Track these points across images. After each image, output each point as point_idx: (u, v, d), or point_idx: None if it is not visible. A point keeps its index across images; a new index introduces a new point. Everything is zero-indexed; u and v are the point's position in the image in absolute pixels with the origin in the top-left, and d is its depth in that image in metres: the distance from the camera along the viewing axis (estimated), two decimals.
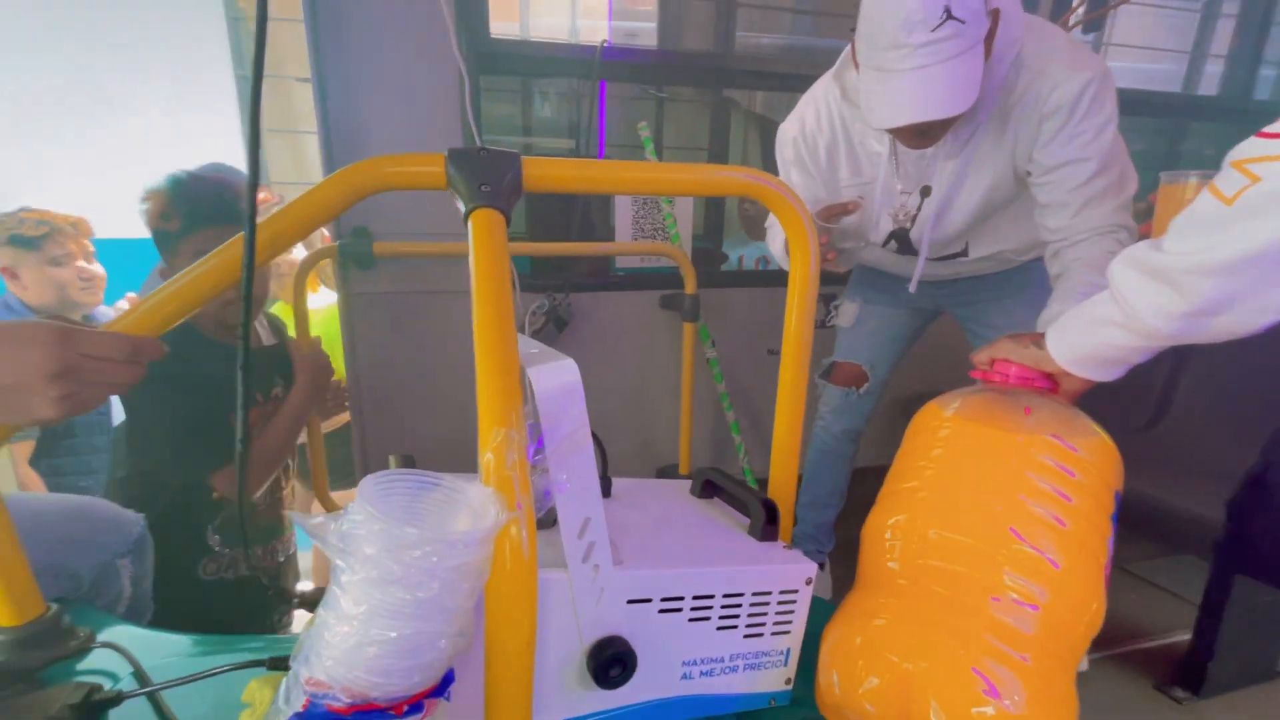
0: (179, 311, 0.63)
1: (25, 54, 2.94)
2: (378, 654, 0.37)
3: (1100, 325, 0.73)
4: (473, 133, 1.44)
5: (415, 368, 1.69)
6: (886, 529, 0.65)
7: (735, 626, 0.60)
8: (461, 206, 0.59)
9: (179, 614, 0.92)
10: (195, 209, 1.15)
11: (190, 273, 0.62)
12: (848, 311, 1.52)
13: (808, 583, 0.62)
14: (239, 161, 3.45)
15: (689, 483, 0.81)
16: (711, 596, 0.58)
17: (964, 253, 1.33)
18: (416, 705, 0.40)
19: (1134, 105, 2.38)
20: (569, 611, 0.53)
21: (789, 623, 0.62)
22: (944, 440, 0.67)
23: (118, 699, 0.62)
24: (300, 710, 0.38)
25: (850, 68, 1.16)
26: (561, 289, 1.69)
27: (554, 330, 1.71)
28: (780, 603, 0.61)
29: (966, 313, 1.44)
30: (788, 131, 1.28)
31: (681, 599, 0.57)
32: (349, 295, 1.63)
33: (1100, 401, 0.83)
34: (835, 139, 1.24)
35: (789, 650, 0.63)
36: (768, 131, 3.19)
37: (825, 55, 1.36)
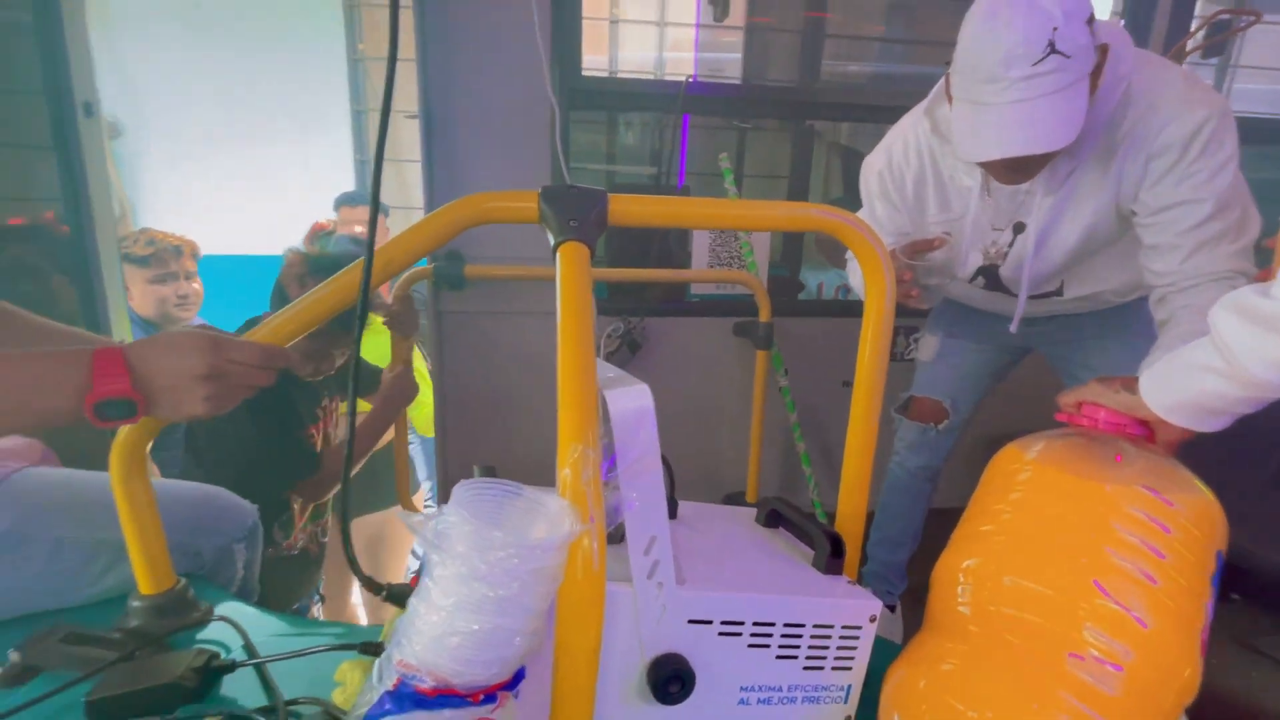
0: (303, 327, 0.72)
1: (181, 95, 3.36)
2: (460, 644, 0.41)
3: (1200, 372, 0.69)
4: (561, 163, 1.53)
5: (498, 384, 1.78)
6: (959, 572, 0.64)
7: (795, 657, 0.61)
8: (551, 239, 0.64)
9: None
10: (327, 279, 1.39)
11: (314, 294, 0.70)
12: (928, 345, 1.48)
13: (871, 620, 0.62)
14: (348, 184, 3.77)
15: (754, 510, 0.82)
16: (772, 624, 0.59)
17: (1059, 292, 1.27)
18: (491, 696, 0.43)
19: (1264, 133, 2.20)
20: (632, 625, 0.56)
21: (851, 659, 0.62)
22: (1024, 484, 0.65)
23: (232, 666, 0.69)
24: (391, 689, 0.42)
25: (943, 102, 1.14)
26: (636, 313, 1.75)
27: (627, 353, 1.76)
28: (842, 637, 0.61)
29: (1060, 352, 1.37)
30: (874, 164, 1.28)
31: (742, 624, 0.58)
32: (440, 314, 1.75)
33: (1216, 455, 0.78)
34: (923, 173, 1.22)
35: (850, 687, 0.63)
36: (851, 161, 3.16)
37: (916, 83, 1.35)
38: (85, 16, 1.53)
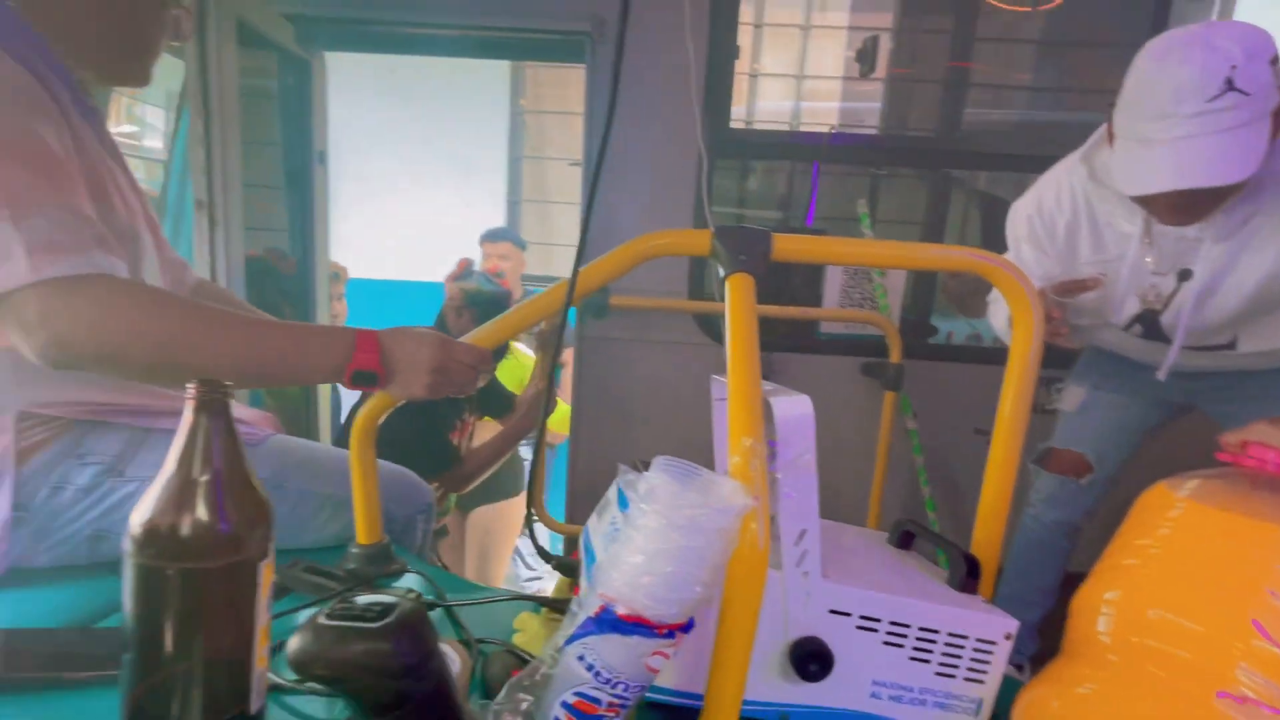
0: (506, 336, 0.88)
1: (369, 144, 3.94)
2: (652, 582, 0.51)
3: None
4: (705, 207, 1.66)
5: (628, 404, 1.92)
6: (1101, 603, 0.65)
7: (928, 661, 0.65)
8: (721, 271, 0.75)
9: None
10: (479, 311, 1.66)
11: (518, 310, 0.86)
12: (1073, 395, 1.43)
13: (1007, 637, 0.65)
14: (499, 222, 4.19)
15: (884, 533, 0.87)
16: (908, 626, 0.64)
17: (1231, 345, 1.20)
18: (670, 632, 0.53)
19: None
20: (778, 606, 0.64)
21: (983, 673, 0.65)
22: (1174, 521, 0.66)
23: (431, 606, 0.84)
24: (594, 614, 0.53)
25: (1102, 149, 1.13)
26: (765, 347, 1.82)
27: None
28: (976, 650, 0.65)
29: (1226, 410, 1.28)
30: (1022, 209, 1.28)
31: (879, 620, 0.64)
32: (583, 339, 1.92)
33: None
34: (1077, 219, 1.21)
35: (981, 701, 0.66)
36: (990, 208, 3.07)
37: (1066, 131, 1.35)
38: (326, 82, 1.90)
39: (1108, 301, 1.20)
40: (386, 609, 0.39)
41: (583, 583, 0.59)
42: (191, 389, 0.51)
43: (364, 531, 0.95)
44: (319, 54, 1.76)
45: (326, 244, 1.97)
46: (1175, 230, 1.10)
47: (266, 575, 0.56)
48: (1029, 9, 2.37)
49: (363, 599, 0.41)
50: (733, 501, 0.53)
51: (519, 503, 2.22)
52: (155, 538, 0.51)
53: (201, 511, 0.51)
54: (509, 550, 2.29)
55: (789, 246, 0.76)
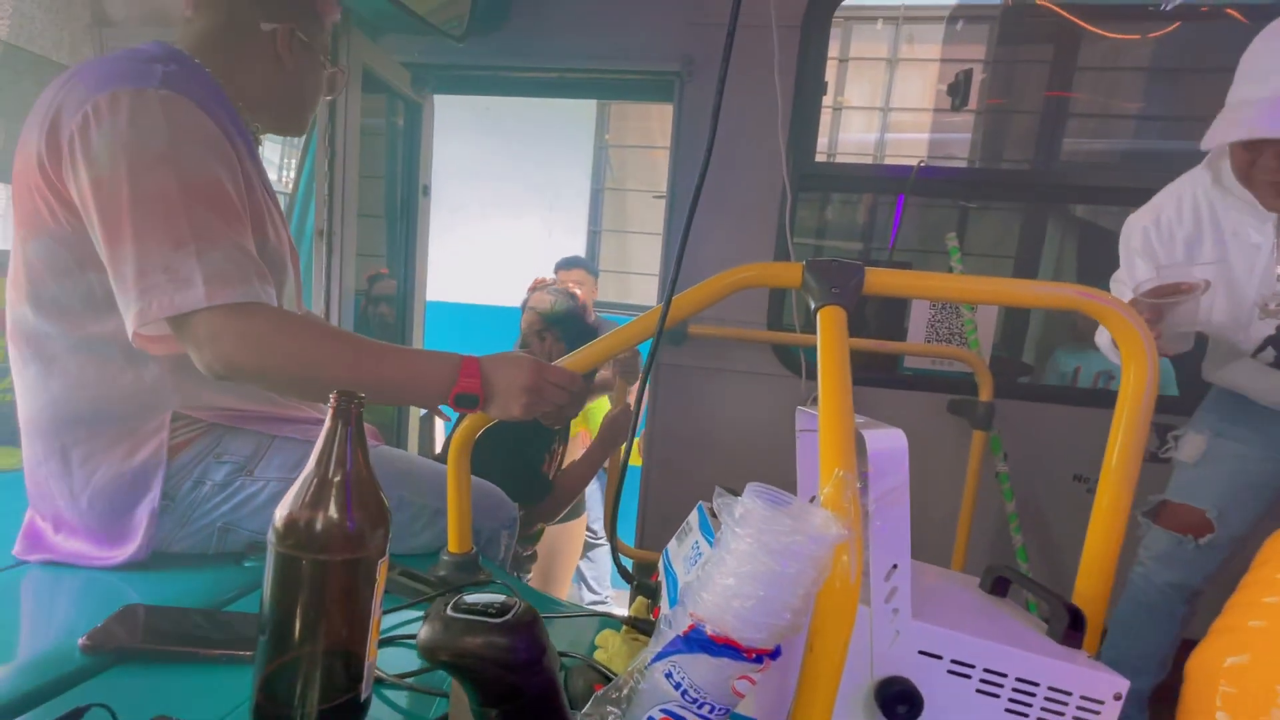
0: (597, 361, 0.92)
1: (465, 175, 4.19)
2: (743, 606, 0.52)
3: None
4: (788, 239, 1.67)
5: (701, 431, 1.92)
6: (1221, 671, 0.60)
7: (1025, 715, 0.62)
8: (813, 303, 0.76)
9: None
10: (559, 330, 1.77)
11: (611, 336, 0.89)
12: (1192, 444, 1.32)
13: (1116, 698, 0.61)
14: (578, 249, 4.34)
15: (977, 578, 0.83)
16: (1004, 675, 0.62)
17: None
18: (759, 657, 0.53)
19: None
20: (865, 643, 0.63)
21: None
22: None
23: None
24: (684, 633, 0.55)
25: (1225, 156, 1.09)
26: None
27: None
28: (1080, 708, 0.61)
29: None
30: (1139, 221, 1.21)
31: (972, 667, 0.62)
32: (659, 366, 1.95)
33: None
34: (1199, 230, 1.14)
35: None
36: (1089, 241, 2.90)
37: (1178, 161, 1.28)
38: (434, 122, 2.05)
39: (1235, 316, 1.12)
40: (505, 607, 0.43)
41: (663, 605, 0.60)
42: (332, 398, 0.57)
43: (455, 541, 1.01)
44: (429, 96, 1.92)
45: (426, 270, 2.11)
46: None
47: (382, 573, 0.61)
48: (1137, 35, 2.26)
49: (481, 597, 0.45)
50: (826, 531, 0.53)
51: (580, 525, 2.26)
52: (294, 529, 0.57)
53: (333, 509, 0.57)
54: (570, 571, 2.33)
55: (882, 280, 0.76)
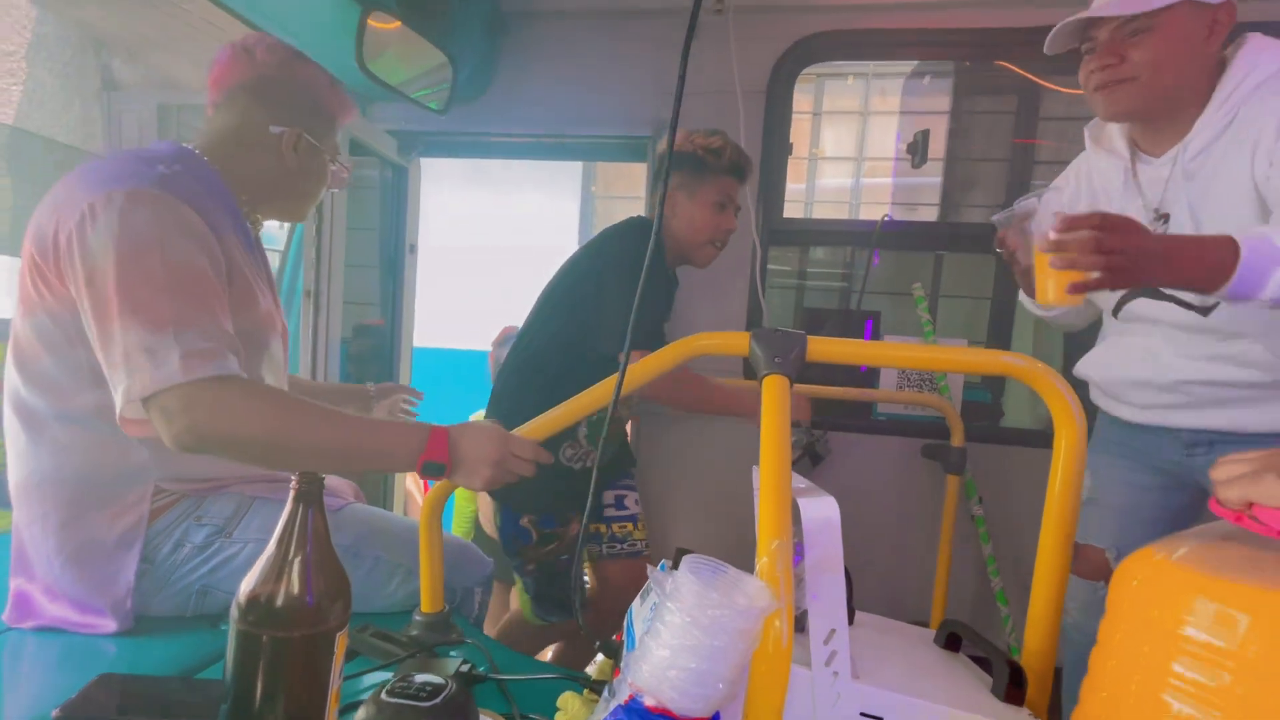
0: (560, 427, 0.96)
1: (452, 226, 4.29)
2: (678, 676, 0.55)
3: None
4: (759, 294, 1.73)
5: (686, 478, 1.95)
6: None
7: None
8: (759, 371, 0.80)
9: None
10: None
11: (571, 403, 0.93)
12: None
13: None
14: None
15: (932, 632, 0.86)
16: None
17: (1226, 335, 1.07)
18: None
19: None
20: (808, 707, 0.65)
21: None
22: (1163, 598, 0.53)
23: (484, 678, 0.89)
24: (624, 702, 0.57)
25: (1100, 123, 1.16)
26: (819, 425, 1.82)
27: (809, 464, 1.82)
28: None
29: None
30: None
31: None
32: (643, 414, 1.99)
33: None
34: (1078, 193, 1.21)
35: None
36: None
37: None
38: (420, 182, 2.14)
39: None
40: (437, 690, 0.46)
41: (623, 664, 0.63)
42: (293, 481, 0.61)
43: (428, 600, 1.03)
44: (415, 160, 2.01)
45: (413, 321, 2.17)
46: (1152, 172, 1.09)
47: (341, 644, 0.64)
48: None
49: (420, 677, 0.48)
50: (757, 602, 0.56)
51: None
52: (255, 606, 0.60)
53: (293, 586, 0.60)
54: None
55: (823, 349, 0.81)
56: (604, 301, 1.43)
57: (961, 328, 2.64)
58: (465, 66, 1.66)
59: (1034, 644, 0.78)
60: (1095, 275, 0.87)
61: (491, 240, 4.28)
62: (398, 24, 1.45)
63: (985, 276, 2.46)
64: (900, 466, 1.80)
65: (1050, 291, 0.94)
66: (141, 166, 0.91)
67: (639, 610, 0.84)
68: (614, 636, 0.93)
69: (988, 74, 2.58)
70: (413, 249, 2.06)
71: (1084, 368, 1.28)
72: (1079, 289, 0.89)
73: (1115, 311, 1.19)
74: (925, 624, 1.71)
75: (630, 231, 1.52)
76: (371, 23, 1.37)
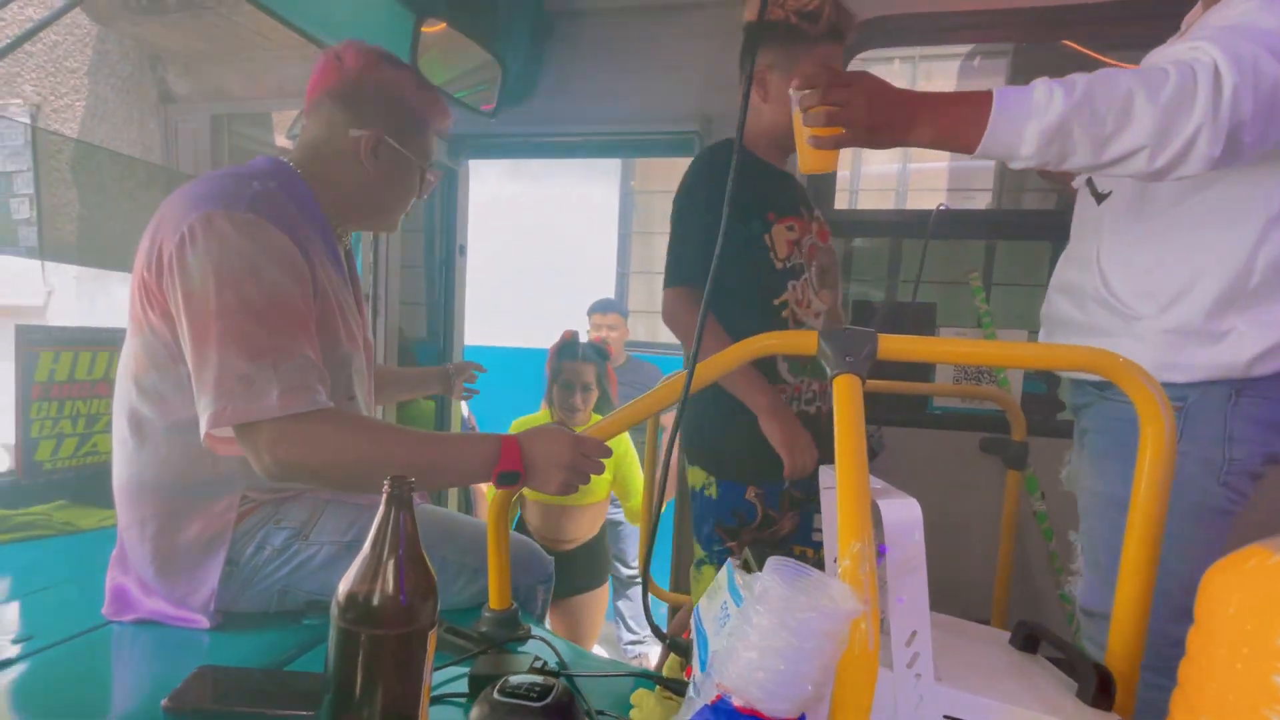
0: (626, 426, 0.97)
1: (498, 224, 4.36)
2: (766, 678, 0.55)
3: None
4: None
5: None
6: None
7: None
8: (829, 371, 0.79)
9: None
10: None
11: (638, 403, 0.94)
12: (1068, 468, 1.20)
13: None
14: (609, 293, 4.46)
15: (1006, 633, 0.84)
16: None
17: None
18: None
19: None
20: (890, 710, 0.65)
21: None
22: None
23: (555, 673, 0.91)
24: (711, 702, 0.58)
25: None
26: (874, 420, 1.80)
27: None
28: None
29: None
30: None
31: None
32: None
33: None
34: None
35: None
36: None
37: None
38: (469, 185, 2.17)
39: None
40: (545, 690, 0.47)
41: (695, 664, 0.64)
42: (386, 484, 0.64)
43: (496, 597, 1.05)
44: (464, 163, 2.04)
45: (464, 321, 2.21)
46: None
47: (432, 641, 0.66)
48: None
49: (524, 679, 0.49)
50: (843, 605, 0.56)
51: (602, 594, 2.29)
52: (353, 605, 0.62)
53: (387, 586, 0.63)
54: (594, 640, 2.35)
55: (895, 347, 0.80)
56: (683, 233, 1.27)
57: (1017, 317, 2.56)
58: (512, 68, 1.68)
59: (1119, 647, 0.76)
60: (839, 130, 0.88)
61: (531, 236, 4.33)
62: (446, 28, 1.47)
63: (1041, 262, 2.37)
64: (957, 461, 1.76)
65: (807, 158, 0.97)
66: (238, 185, 0.94)
67: (707, 609, 0.85)
68: (683, 634, 0.94)
69: (1045, 53, 2.48)
70: (463, 250, 2.10)
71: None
72: (822, 144, 0.90)
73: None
74: (985, 621, 1.69)
75: (705, 152, 1.34)
76: (423, 29, 1.40)
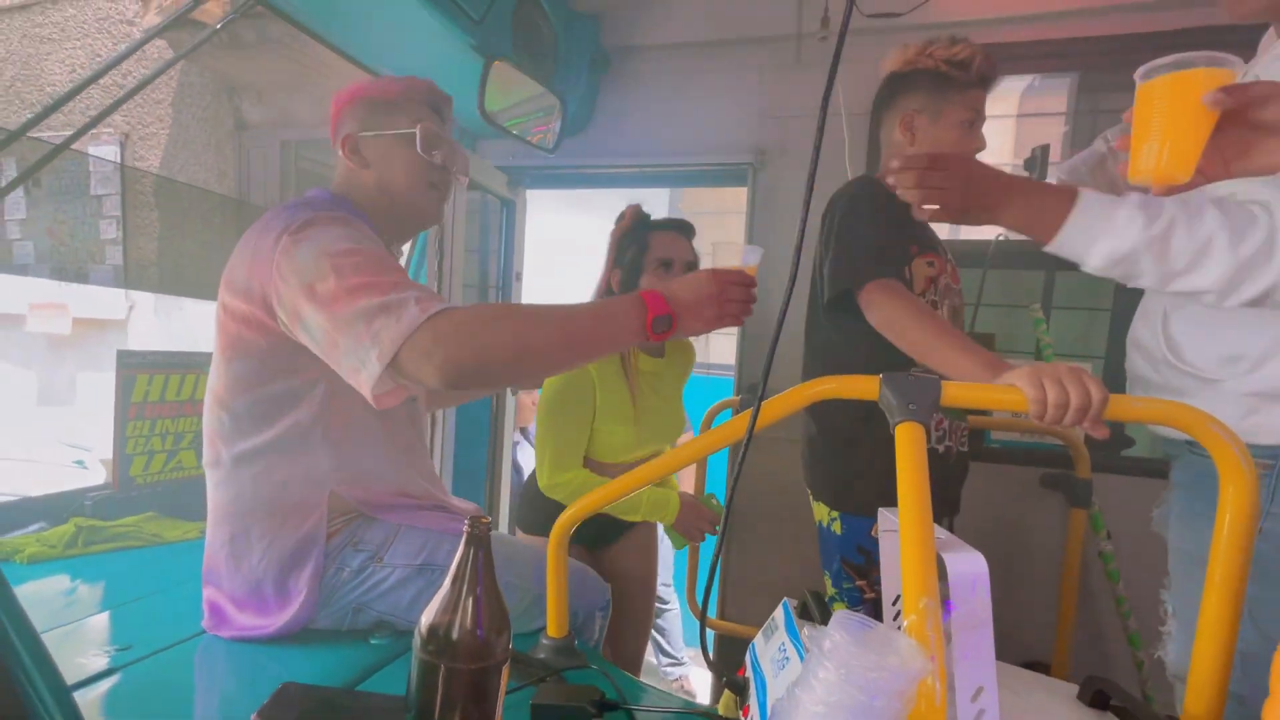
0: (695, 460, 0.98)
1: (552, 251, 4.43)
2: None
3: None
4: None
5: (783, 505, 1.94)
6: None
7: None
8: (890, 419, 0.80)
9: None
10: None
11: (705, 437, 0.96)
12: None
13: None
14: None
15: (1074, 687, 0.82)
16: None
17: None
18: None
19: None
20: None
21: None
22: None
23: (615, 705, 0.93)
24: None
25: None
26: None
27: None
28: None
29: None
30: None
31: None
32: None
33: None
34: None
35: None
36: None
37: None
38: (526, 214, 2.24)
39: None
40: None
41: (752, 704, 0.65)
42: (466, 525, 0.67)
43: (554, 624, 1.08)
44: (522, 192, 2.12)
45: None
46: None
47: (505, 674, 0.69)
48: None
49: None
50: (910, 663, 0.57)
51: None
52: (434, 638, 0.66)
53: (466, 621, 0.66)
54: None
55: (959, 394, 0.80)
56: (853, 239, 1.23)
57: (1076, 342, 2.48)
58: (570, 103, 1.74)
59: (1197, 709, 0.73)
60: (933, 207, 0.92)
61: (580, 259, 4.41)
62: (512, 68, 1.54)
63: (1104, 286, 2.29)
64: (1018, 498, 1.71)
65: None
66: (314, 204, 1.04)
67: (764, 648, 0.86)
68: (737, 671, 0.95)
69: (1113, 73, 2.42)
70: (519, 276, 2.17)
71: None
72: (922, 217, 0.95)
73: None
74: (1047, 664, 1.63)
75: (855, 181, 1.33)
76: (491, 69, 1.47)
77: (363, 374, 0.89)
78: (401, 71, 1.52)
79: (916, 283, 1.28)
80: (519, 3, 1.49)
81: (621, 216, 1.60)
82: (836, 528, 1.31)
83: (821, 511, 1.36)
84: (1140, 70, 0.76)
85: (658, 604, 2.77)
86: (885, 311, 1.14)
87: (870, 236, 1.22)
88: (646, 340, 0.95)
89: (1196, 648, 0.74)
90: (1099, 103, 2.66)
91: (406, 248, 2.20)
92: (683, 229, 1.56)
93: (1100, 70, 2.14)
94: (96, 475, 2.89)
